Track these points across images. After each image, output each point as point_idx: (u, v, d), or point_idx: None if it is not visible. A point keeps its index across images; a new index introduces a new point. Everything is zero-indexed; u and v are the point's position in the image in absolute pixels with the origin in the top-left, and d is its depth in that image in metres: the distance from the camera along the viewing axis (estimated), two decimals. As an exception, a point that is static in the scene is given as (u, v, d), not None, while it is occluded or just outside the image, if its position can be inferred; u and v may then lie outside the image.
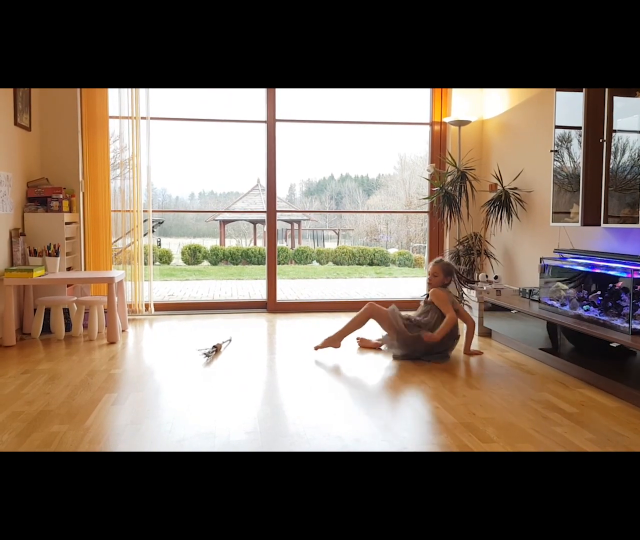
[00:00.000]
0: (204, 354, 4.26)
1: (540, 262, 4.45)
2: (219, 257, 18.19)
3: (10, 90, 4.85)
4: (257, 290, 11.27)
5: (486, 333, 5.03)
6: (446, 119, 6.07)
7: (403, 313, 4.36)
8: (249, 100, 7.55)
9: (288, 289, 11.38)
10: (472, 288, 5.02)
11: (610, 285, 3.79)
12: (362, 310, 4.45)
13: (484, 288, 5.08)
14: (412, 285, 12.27)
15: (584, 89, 3.93)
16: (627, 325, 3.45)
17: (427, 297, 4.41)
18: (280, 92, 6.16)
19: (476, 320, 5.07)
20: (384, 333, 4.41)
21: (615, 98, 3.68)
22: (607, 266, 3.77)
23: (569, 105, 4.15)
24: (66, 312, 5.09)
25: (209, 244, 20.16)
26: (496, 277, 5.24)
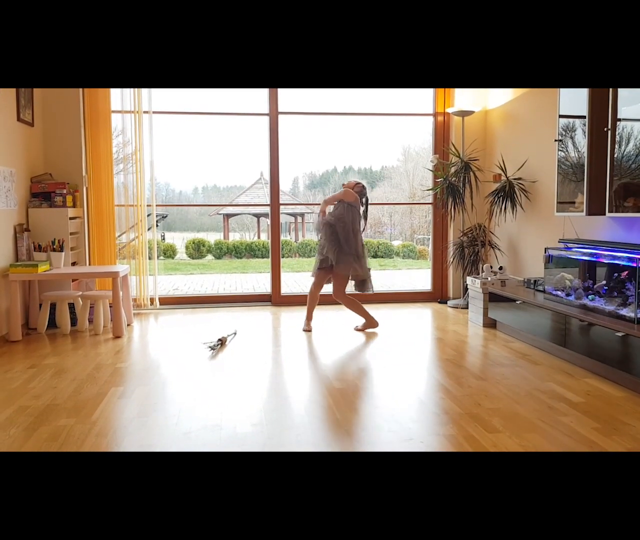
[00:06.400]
0: (209, 347, 4.27)
1: (545, 252, 4.44)
2: (223, 251, 18.22)
3: (13, 86, 4.86)
4: (261, 283, 11.28)
5: (491, 324, 5.02)
6: (449, 110, 6.05)
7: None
8: (251, 93, 7.53)
9: (292, 282, 11.38)
10: None
11: (616, 274, 3.78)
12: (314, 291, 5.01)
13: (489, 279, 5.08)
14: (416, 277, 12.26)
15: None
16: (632, 314, 3.44)
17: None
18: (283, 85, 6.14)
19: (481, 310, 5.07)
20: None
21: (620, 87, 3.65)
22: (612, 255, 3.76)
23: (573, 95, 4.13)
24: (71, 306, 5.11)
25: (212, 238, 20.16)
26: (501, 268, 5.23)
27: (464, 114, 5.90)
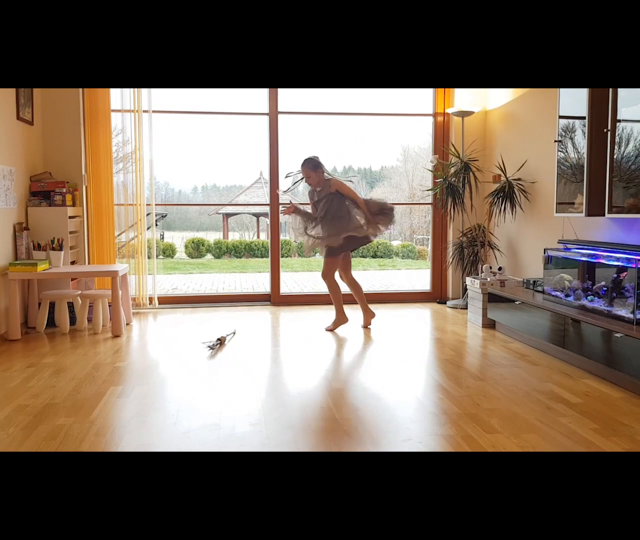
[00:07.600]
0: (209, 346, 4.27)
1: (544, 253, 4.44)
2: (223, 251, 18.22)
3: (12, 85, 4.86)
4: (260, 283, 11.28)
5: (490, 324, 5.02)
6: (449, 110, 6.05)
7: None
8: (251, 93, 7.53)
9: (292, 282, 11.39)
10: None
11: (615, 275, 3.78)
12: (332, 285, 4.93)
13: (488, 279, 5.08)
14: (416, 278, 12.26)
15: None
16: (631, 315, 3.44)
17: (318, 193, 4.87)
18: (283, 84, 6.14)
19: (480, 311, 5.07)
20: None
21: (620, 87, 3.66)
22: (611, 256, 3.76)
23: (573, 95, 4.13)
24: (70, 305, 5.11)
25: (212, 237, 20.16)
26: (500, 269, 5.23)
27: (463, 114, 5.90)
